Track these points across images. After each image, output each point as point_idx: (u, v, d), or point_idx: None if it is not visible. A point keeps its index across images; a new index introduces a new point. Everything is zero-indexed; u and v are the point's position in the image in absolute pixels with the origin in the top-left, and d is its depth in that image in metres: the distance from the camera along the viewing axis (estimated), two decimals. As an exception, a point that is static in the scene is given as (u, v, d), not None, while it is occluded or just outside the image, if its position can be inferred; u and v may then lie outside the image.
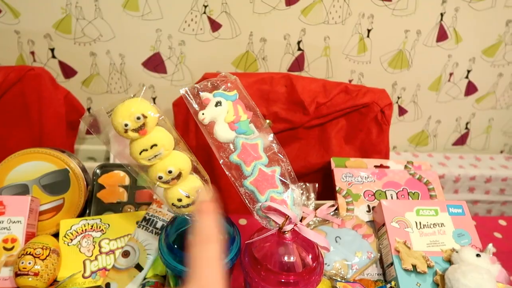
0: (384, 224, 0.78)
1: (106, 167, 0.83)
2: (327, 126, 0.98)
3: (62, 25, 1.10)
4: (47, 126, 0.92)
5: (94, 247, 0.72)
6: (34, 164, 0.76)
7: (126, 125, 0.47)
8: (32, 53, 1.13)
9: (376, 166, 0.95)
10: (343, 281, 0.73)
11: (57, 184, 0.77)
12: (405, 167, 0.96)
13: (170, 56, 1.20)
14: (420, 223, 0.79)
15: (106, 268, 0.70)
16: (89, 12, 1.09)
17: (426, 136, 1.48)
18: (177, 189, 0.52)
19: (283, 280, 0.54)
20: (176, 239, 0.59)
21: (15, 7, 1.06)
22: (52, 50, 1.14)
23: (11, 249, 0.68)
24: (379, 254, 0.79)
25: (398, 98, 1.39)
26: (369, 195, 0.88)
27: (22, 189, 0.75)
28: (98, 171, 0.82)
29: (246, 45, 1.21)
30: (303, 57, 1.25)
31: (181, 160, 0.52)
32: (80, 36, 1.13)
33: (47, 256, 0.66)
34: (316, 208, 0.86)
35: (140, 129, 0.48)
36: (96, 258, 0.71)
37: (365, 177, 0.91)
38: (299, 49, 1.23)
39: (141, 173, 0.52)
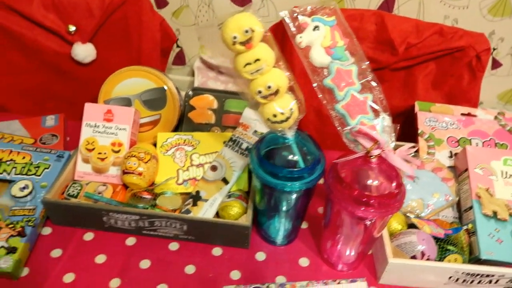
0: (466, 170, 0.77)
1: (198, 90, 0.89)
2: (414, 69, 0.95)
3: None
4: (145, 50, 0.99)
5: (186, 159, 0.80)
6: (136, 81, 0.84)
7: (234, 37, 0.50)
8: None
9: (463, 114, 0.92)
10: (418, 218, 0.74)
11: (155, 100, 0.84)
12: (495, 117, 0.91)
13: (257, -9, 1.20)
14: (506, 172, 0.76)
15: (196, 178, 0.78)
16: None
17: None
18: (273, 105, 0.56)
19: (364, 200, 0.57)
20: (265, 155, 0.63)
21: None
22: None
23: (118, 151, 0.78)
24: (457, 198, 0.78)
25: (494, 49, 1.28)
26: (452, 142, 0.86)
27: (126, 102, 0.84)
28: (190, 93, 0.89)
29: (334, -18, 1.17)
30: (394, -3, 1.18)
31: (280, 77, 0.54)
32: (173, -33, 1.16)
33: (148, 160, 0.75)
34: (396, 148, 0.86)
35: (247, 43, 0.51)
36: (187, 169, 0.79)
37: (450, 123, 0.88)
38: (390, -12, 1.16)
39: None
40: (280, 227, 0.71)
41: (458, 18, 1.21)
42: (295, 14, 0.59)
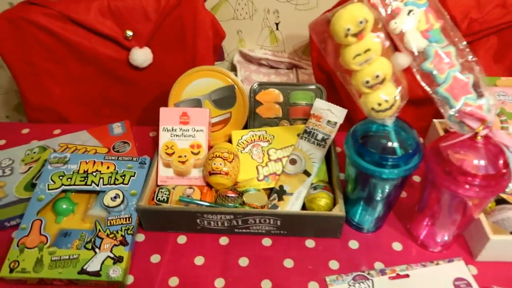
0: (547, 142, 0.77)
1: (263, 85, 0.88)
2: (475, 44, 0.94)
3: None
4: (200, 49, 0.98)
5: (264, 155, 0.80)
6: (205, 81, 0.84)
7: (348, 29, 0.50)
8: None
9: (529, 87, 0.91)
10: None
11: (225, 99, 0.84)
12: (562, 86, 0.91)
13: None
14: None
15: (276, 173, 0.78)
16: None
17: None
18: (379, 94, 0.56)
19: (473, 180, 0.57)
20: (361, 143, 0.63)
21: None
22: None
23: (198, 153, 0.78)
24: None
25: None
26: (525, 115, 0.86)
27: (196, 103, 0.84)
28: (256, 88, 0.88)
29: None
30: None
31: (387, 66, 0.54)
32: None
33: (232, 159, 0.75)
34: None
35: (360, 33, 0.50)
36: (266, 165, 0.79)
37: (519, 96, 0.87)
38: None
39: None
40: (373, 214, 0.71)
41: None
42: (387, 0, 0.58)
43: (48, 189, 0.73)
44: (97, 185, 0.74)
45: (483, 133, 0.56)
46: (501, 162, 0.58)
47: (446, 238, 0.70)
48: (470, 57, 0.58)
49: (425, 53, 0.58)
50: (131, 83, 1.01)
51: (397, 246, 0.72)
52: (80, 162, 0.77)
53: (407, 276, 0.67)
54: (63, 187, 0.73)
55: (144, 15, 0.91)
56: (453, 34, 0.59)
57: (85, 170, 0.75)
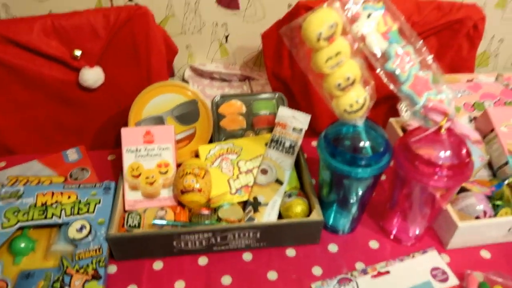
0: (492, 130, 0.83)
1: (225, 97, 0.87)
2: (418, 45, 1.00)
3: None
4: (154, 65, 0.95)
5: (234, 167, 0.79)
6: (165, 97, 0.81)
7: (320, 33, 0.50)
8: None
9: (468, 81, 0.98)
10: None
11: (188, 114, 0.82)
12: (496, 79, 0.99)
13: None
14: (528, 126, 0.83)
15: (248, 185, 0.77)
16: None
17: (487, 56, 1.49)
18: (350, 95, 0.57)
19: (441, 171, 0.60)
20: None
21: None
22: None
23: (166, 172, 0.75)
24: (488, 157, 0.84)
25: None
26: (469, 107, 0.93)
27: (158, 121, 0.81)
28: (218, 100, 0.87)
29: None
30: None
31: (356, 67, 0.56)
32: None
33: (204, 175, 0.73)
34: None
35: (331, 37, 0.51)
36: (237, 177, 0.78)
37: (462, 90, 0.94)
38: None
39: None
40: (348, 216, 0.72)
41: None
42: (346, 6, 0.60)
43: (2, 228, 0.65)
44: (59, 218, 0.68)
45: (447, 125, 0.60)
46: (464, 152, 0.62)
47: (417, 231, 0.73)
48: (426, 55, 0.62)
49: (386, 53, 0.61)
50: (82, 106, 0.95)
51: (373, 244, 0.74)
52: (37, 194, 0.70)
53: (387, 272, 0.68)
54: (20, 223, 0.66)
55: (92, 32, 0.87)
56: (409, 34, 0.62)
57: (43, 202, 0.69)
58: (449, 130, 0.61)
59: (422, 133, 0.61)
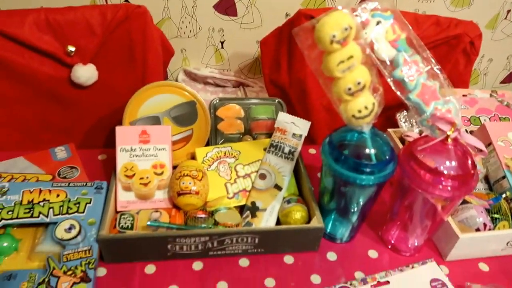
0: (490, 144, 0.84)
1: (224, 100, 0.85)
2: (415, 59, 1.01)
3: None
4: (150, 65, 0.92)
5: (231, 171, 0.77)
6: (163, 97, 0.78)
7: (334, 36, 0.49)
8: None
9: (464, 95, 1.00)
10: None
11: (186, 115, 0.80)
12: (491, 95, 1.01)
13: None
14: (524, 141, 0.84)
15: (246, 189, 0.75)
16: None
17: (477, 74, 1.52)
18: (359, 101, 0.56)
19: (446, 181, 0.59)
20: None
21: None
22: (125, -7, 1.12)
23: (161, 173, 0.72)
24: (485, 170, 0.85)
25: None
26: (465, 121, 0.93)
27: (155, 121, 0.78)
28: (216, 103, 0.85)
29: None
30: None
31: (367, 73, 0.55)
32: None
33: (202, 178, 0.70)
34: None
35: (344, 40, 0.50)
36: (235, 181, 0.76)
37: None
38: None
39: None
40: (348, 225, 0.71)
41: (426, 11, 1.32)
42: (355, 13, 0.60)
43: (-16, 226, 0.61)
44: (46, 217, 0.64)
45: (454, 135, 0.59)
46: (469, 163, 0.61)
47: (416, 243, 0.72)
48: (434, 65, 0.62)
49: (394, 61, 0.61)
50: (73, 104, 0.91)
51: (372, 253, 0.72)
52: (23, 191, 0.66)
53: (387, 282, 0.67)
54: (3, 221, 0.62)
55: (88, 29, 0.84)
56: (417, 44, 0.62)
57: (30, 200, 0.65)
58: (455, 140, 0.61)
59: (427, 142, 0.61)
